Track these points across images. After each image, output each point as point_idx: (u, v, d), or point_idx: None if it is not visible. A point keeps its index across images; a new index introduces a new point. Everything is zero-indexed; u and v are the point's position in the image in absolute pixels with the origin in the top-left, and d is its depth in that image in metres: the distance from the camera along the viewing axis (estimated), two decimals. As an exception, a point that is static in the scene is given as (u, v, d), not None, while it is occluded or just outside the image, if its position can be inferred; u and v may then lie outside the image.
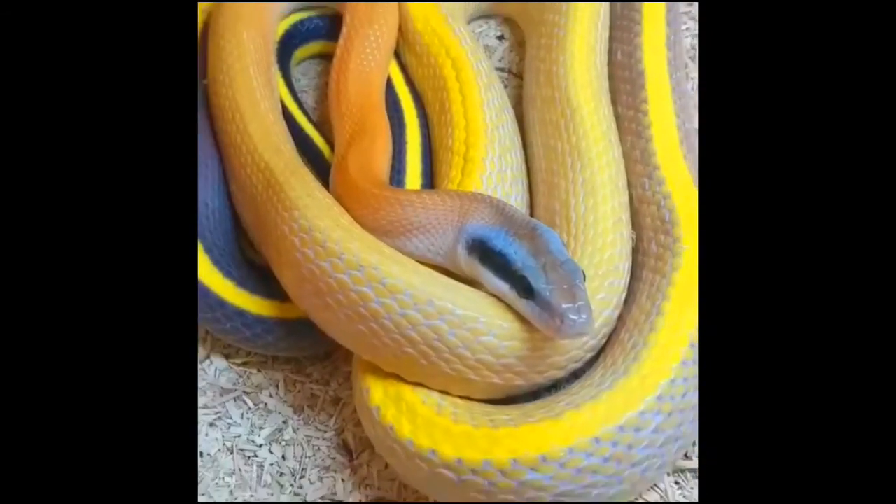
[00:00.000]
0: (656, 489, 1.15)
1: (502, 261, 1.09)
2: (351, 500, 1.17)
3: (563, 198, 1.26)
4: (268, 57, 1.43)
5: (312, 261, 1.11)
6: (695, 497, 1.14)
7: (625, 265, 1.20)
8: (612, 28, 1.45)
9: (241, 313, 1.22)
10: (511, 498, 1.05)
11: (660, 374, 1.08)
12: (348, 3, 1.47)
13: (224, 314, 1.22)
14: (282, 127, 1.33)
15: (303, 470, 1.20)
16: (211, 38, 1.42)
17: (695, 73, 1.51)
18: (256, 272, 1.27)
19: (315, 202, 1.15)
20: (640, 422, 1.05)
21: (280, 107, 1.39)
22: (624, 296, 1.19)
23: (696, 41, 1.54)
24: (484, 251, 1.11)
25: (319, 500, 1.17)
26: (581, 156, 1.27)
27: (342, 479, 1.19)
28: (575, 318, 1.03)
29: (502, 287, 1.08)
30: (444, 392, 1.12)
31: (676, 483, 1.16)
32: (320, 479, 1.19)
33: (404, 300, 1.07)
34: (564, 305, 1.03)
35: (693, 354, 1.10)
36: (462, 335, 1.07)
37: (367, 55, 1.41)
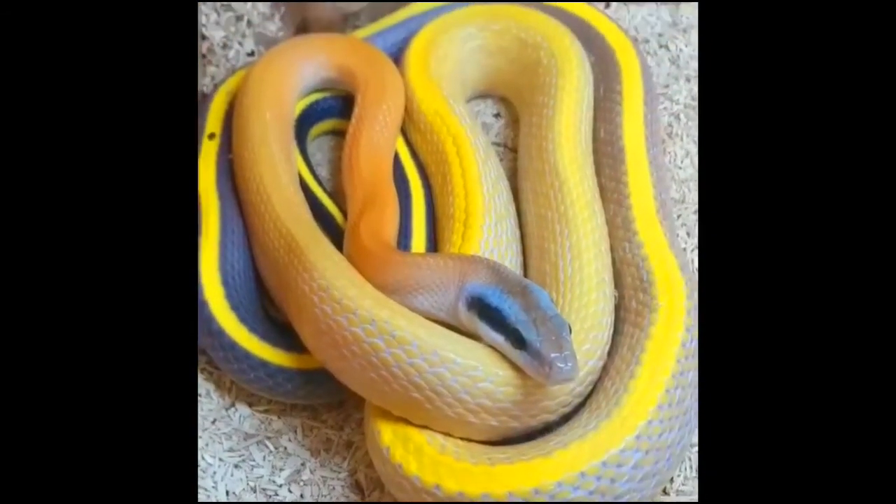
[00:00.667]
0: (637, 521, 1.28)
1: (498, 316, 1.23)
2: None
3: (552, 260, 1.40)
4: (288, 134, 1.59)
5: (330, 316, 1.25)
6: (672, 530, 1.27)
7: (608, 320, 1.34)
8: (595, 108, 1.62)
9: (264, 364, 1.36)
10: (506, 527, 1.18)
11: (638, 416, 1.21)
12: (360, 85, 1.63)
13: (249, 365, 1.36)
14: (301, 197, 1.48)
15: (319, 507, 1.32)
16: (236, 117, 1.58)
17: (671, 148, 1.67)
18: (278, 328, 1.41)
19: (332, 264, 1.30)
20: (620, 458, 1.19)
21: (298, 179, 1.55)
22: (608, 348, 1.33)
23: (671, 119, 1.70)
24: (482, 307, 1.25)
25: (334, 533, 1.30)
26: (568, 223, 1.42)
27: (356, 515, 1.31)
28: (562, 365, 1.17)
29: (498, 339, 1.23)
30: (446, 434, 1.25)
31: (655, 516, 1.29)
32: (336, 515, 1.32)
33: (411, 350, 1.21)
34: (553, 355, 1.17)
35: (668, 399, 1.24)
36: (463, 381, 1.21)
37: (377, 132, 1.57)
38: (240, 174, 1.53)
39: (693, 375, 1.30)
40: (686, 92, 1.73)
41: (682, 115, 1.72)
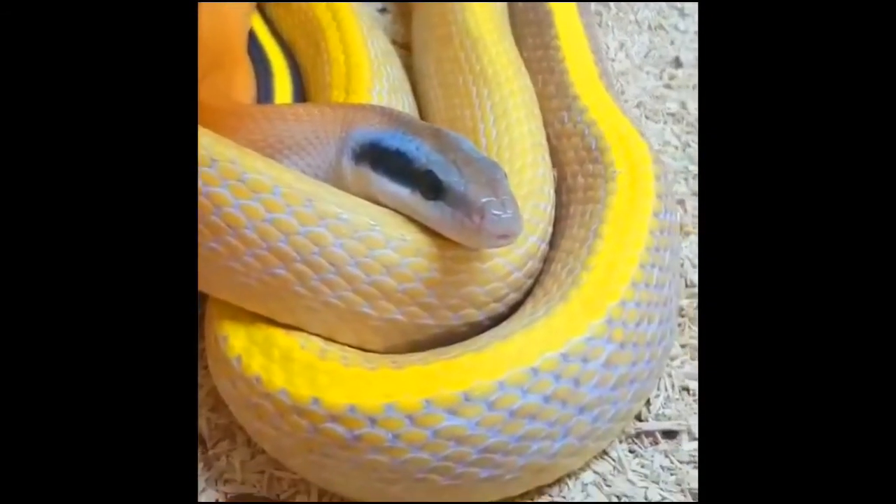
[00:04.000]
0: (607, 458, 0.89)
1: (401, 160, 0.85)
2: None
3: (469, 125, 1.03)
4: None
5: (150, 165, 0.84)
6: (655, 467, 0.89)
7: (549, 190, 0.97)
8: (511, -23, 1.28)
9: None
10: (423, 456, 0.77)
11: (606, 296, 0.84)
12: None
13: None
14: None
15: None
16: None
17: (602, 40, 1.34)
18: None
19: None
20: (586, 349, 0.81)
21: None
22: (551, 227, 0.96)
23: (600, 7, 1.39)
24: (376, 154, 0.87)
25: None
26: (487, 82, 1.06)
27: (192, 476, 0.88)
28: (499, 213, 0.79)
29: (401, 192, 0.84)
30: (328, 339, 0.85)
31: (632, 452, 0.90)
32: (162, 477, 0.88)
33: (273, 201, 0.81)
34: (484, 199, 0.79)
35: (645, 278, 0.87)
36: (352, 247, 0.81)
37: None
38: None
39: (672, 259, 0.94)
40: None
41: (612, 6, 1.40)
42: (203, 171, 0.81)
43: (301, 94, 1.16)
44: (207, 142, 0.83)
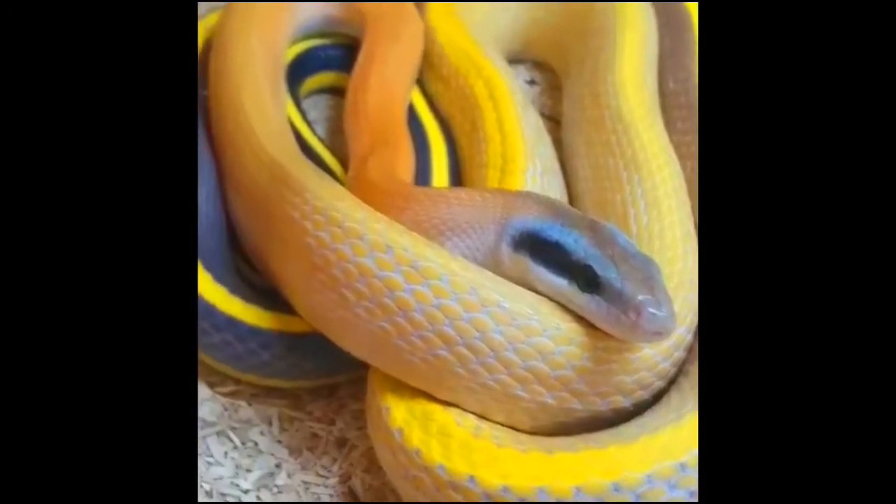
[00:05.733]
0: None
1: (559, 252, 0.90)
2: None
3: (619, 211, 1.07)
4: (277, 70, 1.28)
5: (328, 245, 0.91)
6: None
7: (696, 280, 1.00)
8: (661, 59, 1.31)
9: (233, 323, 1.01)
10: (571, 539, 0.82)
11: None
12: (370, 25, 1.33)
13: (212, 324, 1.00)
14: (290, 133, 1.16)
15: (297, 522, 0.96)
16: (216, 42, 1.27)
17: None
18: (254, 287, 1.07)
19: (329, 185, 0.97)
20: (734, 447, 0.84)
21: (287, 120, 1.22)
22: (697, 318, 0.99)
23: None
24: (535, 244, 0.92)
25: (317, 559, 0.93)
26: (639, 169, 1.10)
27: (347, 534, 0.95)
28: (655, 311, 0.83)
29: (559, 283, 0.89)
30: (481, 417, 0.90)
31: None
32: (319, 533, 0.95)
33: (441, 287, 0.87)
34: (640, 297, 0.84)
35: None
36: (511, 334, 0.86)
37: (391, 68, 1.26)
38: (216, 107, 1.20)
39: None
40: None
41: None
42: (378, 257, 0.88)
43: (456, 169, 1.22)
44: (382, 228, 0.90)
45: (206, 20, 1.38)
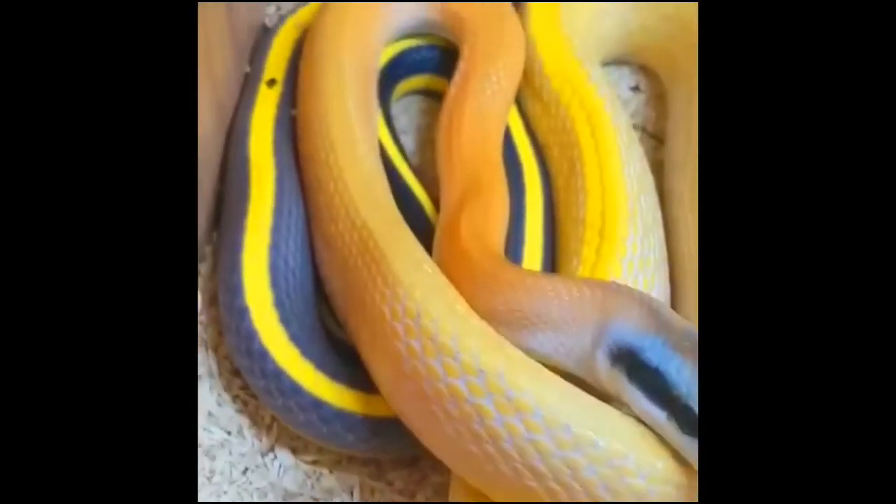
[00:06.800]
0: None
1: (659, 381, 0.85)
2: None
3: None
4: (370, 88, 1.22)
5: (419, 356, 0.88)
6: None
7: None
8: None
9: (318, 404, 0.99)
10: None
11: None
12: (468, 33, 1.25)
13: (298, 404, 0.99)
14: (381, 175, 1.11)
15: None
16: (306, 61, 1.21)
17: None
18: (338, 351, 1.05)
19: (424, 279, 0.93)
20: None
21: (378, 149, 1.17)
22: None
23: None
24: (634, 364, 0.88)
25: None
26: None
27: None
28: (757, 470, 0.79)
29: (657, 415, 0.85)
30: (566, 542, 0.89)
31: None
32: None
33: (533, 422, 0.84)
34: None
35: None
36: (604, 474, 0.84)
37: (487, 98, 1.19)
38: (306, 138, 1.16)
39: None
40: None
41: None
42: (470, 381, 0.85)
43: (551, 214, 1.16)
44: (477, 349, 0.86)
45: (298, 16, 1.31)
